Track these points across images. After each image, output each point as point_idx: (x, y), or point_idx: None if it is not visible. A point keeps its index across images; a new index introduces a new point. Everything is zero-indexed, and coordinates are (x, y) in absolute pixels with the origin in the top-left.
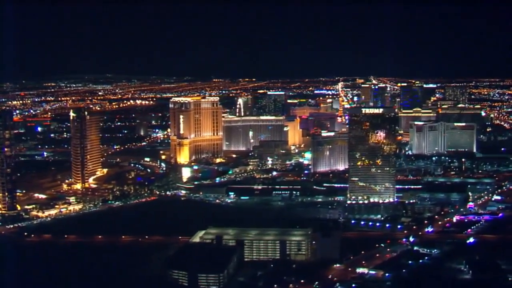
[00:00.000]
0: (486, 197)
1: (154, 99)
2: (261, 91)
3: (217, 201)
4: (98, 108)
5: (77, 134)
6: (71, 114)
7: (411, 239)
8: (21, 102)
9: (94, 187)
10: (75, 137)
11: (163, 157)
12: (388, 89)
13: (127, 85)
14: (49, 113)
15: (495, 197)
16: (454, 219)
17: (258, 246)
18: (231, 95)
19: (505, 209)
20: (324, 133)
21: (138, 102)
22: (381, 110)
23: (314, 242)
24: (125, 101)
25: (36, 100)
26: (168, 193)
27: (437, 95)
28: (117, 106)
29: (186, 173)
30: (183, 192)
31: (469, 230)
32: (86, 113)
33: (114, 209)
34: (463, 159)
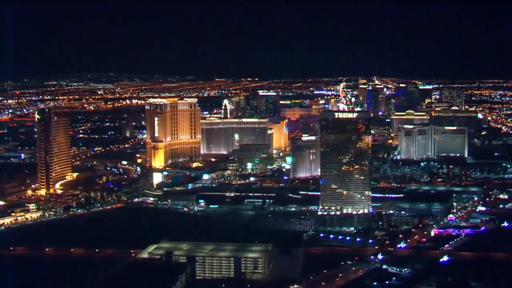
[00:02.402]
0: (471, 208)
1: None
2: (260, 91)
3: (185, 209)
4: (92, 108)
5: (41, 136)
6: (36, 116)
7: (380, 256)
8: (16, 101)
9: (59, 193)
10: (39, 140)
11: (139, 160)
12: (385, 90)
13: (128, 84)
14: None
15: (480, 208)
16: (432, 233)
17: (211, 263)
18: (229, 95)
19: (488, 221)
20: (305, 137)
21: (134, 102)
22: (355, 115)
23: (275, 259)
24: (121, 101)
25: (33, 99)
26: (136, 200)
27: (437, 96)
28: (111, 106)
29: (157, 178)
30: (151, 199)
31: (446, 245)
32: (52, 114)
33: (74, 217)
34: (451, 166)
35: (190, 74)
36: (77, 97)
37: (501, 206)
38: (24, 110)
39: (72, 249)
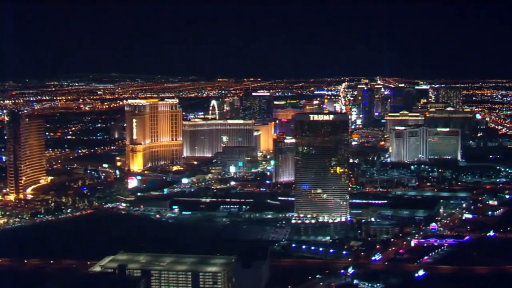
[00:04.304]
0: (457, 215)
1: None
2: (261, 91)
3: (157, 216)
4: (88, 108)
5: (10, 139)
6: (5, 118)
7: (351, 270)
8: (13, 101)
9: (29, 198)
10: (9, 143)
11: (119, 164)
12: (383, 90)
13: (129, 84)
14: (36, 113)
15: (466, 215)
16: (412, 243)
17: (167, 278)
18: (229, 95)
19: (474, 230)
20: (288, 139)
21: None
22: (331, 117)
23: (237, 273)
24: (117, 101)
25: (31, 99)
26: (109, 205)
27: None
28: (107, 106)
29: (132, 182)
30: (124, 205)
31: (425, 257)
32: (23, 116)
33: (40, 224)
34: (440, 169)
35: (192, 74)
36: (75, 97)
37: (489, 213)
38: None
39: (26, 260)
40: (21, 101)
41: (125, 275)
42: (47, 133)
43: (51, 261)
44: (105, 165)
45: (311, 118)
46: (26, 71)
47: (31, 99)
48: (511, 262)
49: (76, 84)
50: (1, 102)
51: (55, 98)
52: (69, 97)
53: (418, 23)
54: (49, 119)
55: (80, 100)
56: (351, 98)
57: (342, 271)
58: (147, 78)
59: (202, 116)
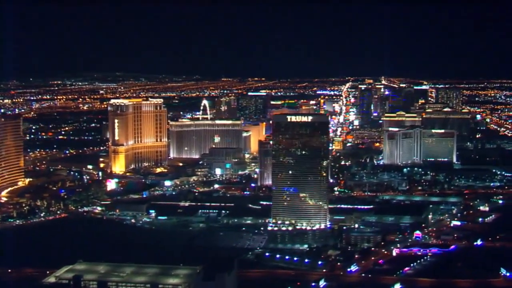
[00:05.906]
0: (446, 222)
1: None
2: (263, 91)
3: (133, 221)
4: (86, 108)
5: None
6: None
7: (322, 282)
8: (11, 100)
9: (3, 202)
10: None
11: (102, 165)
12: (383, 90)
13: (132, 84)
14: (32, 113)
15: (454, 222)
16: (394, 253)
17: None
18: (229, 94)
19: (461, 238)
20: None
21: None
22: (310, 118)
23: (200, 285)
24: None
25: (31, 98)
26: (85, 209)
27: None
28: (106, 106)
29: (110, 185)
30: (99, 208)
31: (406, 268)
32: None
33: (8, 229)
34: (434, 172)
35: (197, 73)
36: (75, 96)
37: (479, 220)
38: (16, 110)
39: None
40: (20, 100)
41: (80, 287)
42: (39, 133)
43: (9, 270)
44: (90, 167)
45: (289, 119)
46: (30, 70)
47: (31, 98)
48: (496, 275)
49: (80, 83)
50: (0, 101)
51: (55, 97)
52: (69, 96)
53: (423, 23)
54: (46, 118)
55: (80, 99)
56: (353, 99)
57: (313, 283)
58: (151, 78)
59: (196, 117)
